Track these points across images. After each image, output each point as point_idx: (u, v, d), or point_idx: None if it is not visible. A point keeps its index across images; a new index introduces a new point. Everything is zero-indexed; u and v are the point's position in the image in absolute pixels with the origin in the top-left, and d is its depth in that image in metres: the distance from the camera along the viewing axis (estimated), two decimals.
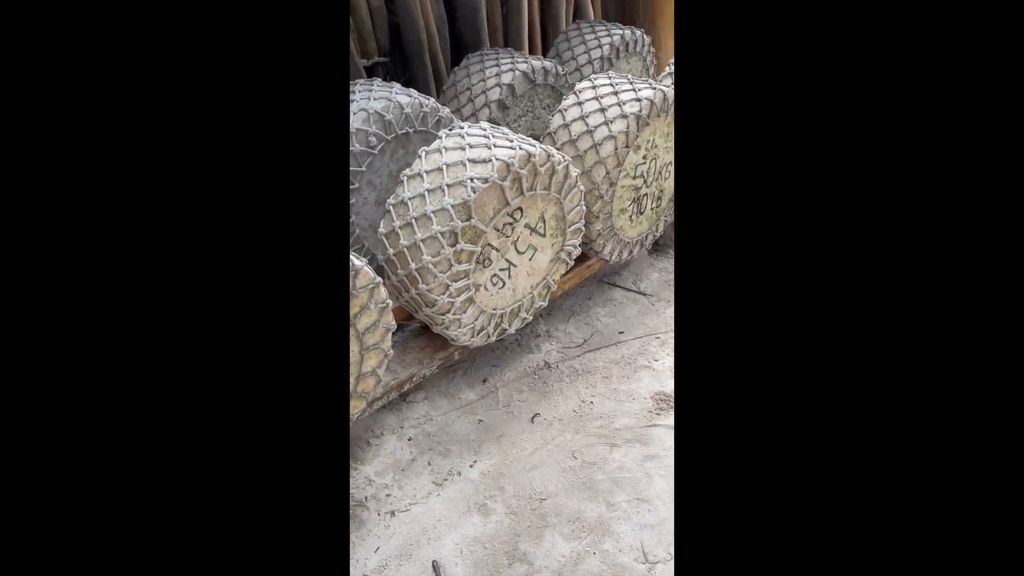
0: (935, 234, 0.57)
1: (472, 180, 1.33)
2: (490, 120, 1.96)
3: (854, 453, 0.59)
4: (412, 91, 1.72)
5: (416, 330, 1.71)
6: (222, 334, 0.60)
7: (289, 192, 0.62)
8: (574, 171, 1.54)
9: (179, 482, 0.60)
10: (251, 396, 0.61)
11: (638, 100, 1.67)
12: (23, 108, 0.56)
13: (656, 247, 2.41)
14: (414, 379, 1.56)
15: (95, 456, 0.58)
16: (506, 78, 1.95)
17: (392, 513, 1.39)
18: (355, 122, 1.55)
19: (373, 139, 1.59)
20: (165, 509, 0.59)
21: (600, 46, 2.29)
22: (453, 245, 1.35)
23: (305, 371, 0.62)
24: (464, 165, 1.35)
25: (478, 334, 1.56)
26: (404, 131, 1.66)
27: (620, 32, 2.33)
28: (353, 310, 1.20)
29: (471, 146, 1.39)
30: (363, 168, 1.60)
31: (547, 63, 2.05)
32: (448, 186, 1.34)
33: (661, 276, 2.21)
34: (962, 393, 0.57)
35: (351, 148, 1.55)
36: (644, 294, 2.11)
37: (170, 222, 0.59)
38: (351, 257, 1.18)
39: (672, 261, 2.30)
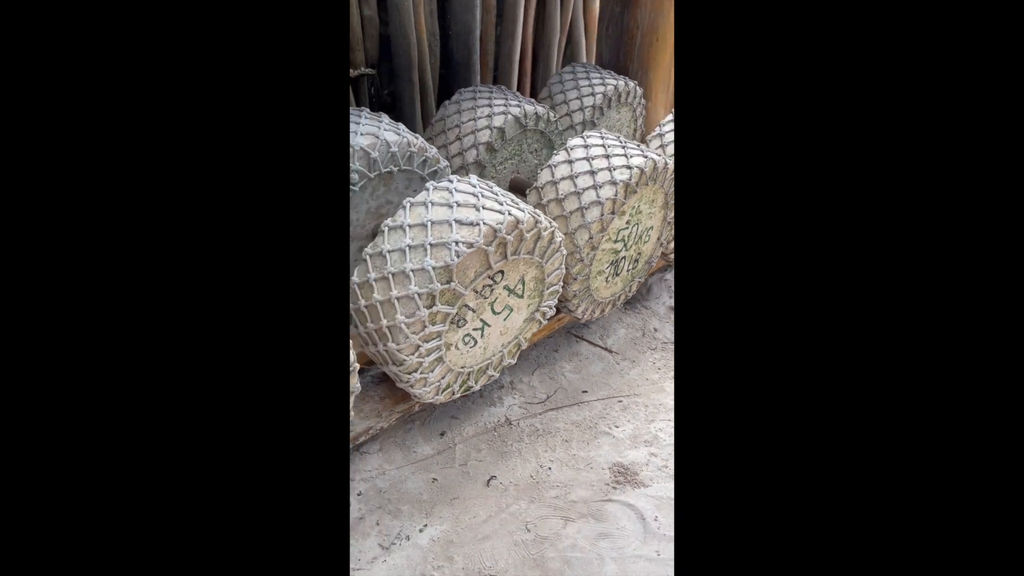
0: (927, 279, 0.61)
1: (457, 243, 1.28)
2: (476, 162, 1.91)
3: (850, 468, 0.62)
4: (401, 127, 1.66)
5: (376, 376, 1.64)
6: (237, 347, 0.63)
7: (292, 205, 0.66)
8: (559, 236, 1.51)
9: (179, 486, 0.62)
10: (252, 400, 0.64)
11: (629, 168, 1.65)
12: (22, 111, 0.56)
13: (627, 302, 2.40)
14: (370, 432, 1.49)
15: (98, 452, 0.59)
16: (497, 121, 1.90)
17: None
18: None
19: (355, 176, 1.52)
20: (166, 511, 0.61)
21: (593, 94, 2.27)
22: (430, 307, 1.29)
23: (307, 375, 0.66)
24: (450, 225, 1.30)
25: (443, 392, 1.51)
26: (388, 169, 1.60)
27: (614, 82, 2.31)
28: None
29: (459, 204, 1.34)
30: None
31: (539, 108, 2.01)
32: (431, 245, 1.29)
33: (628, 333, 2.21)
34: (955, 407, 0.59)
35: None
36: (610, 351, 2.10)
37: (189, 245, 0.63)
38: None
39: (640, 317, 2.29)
